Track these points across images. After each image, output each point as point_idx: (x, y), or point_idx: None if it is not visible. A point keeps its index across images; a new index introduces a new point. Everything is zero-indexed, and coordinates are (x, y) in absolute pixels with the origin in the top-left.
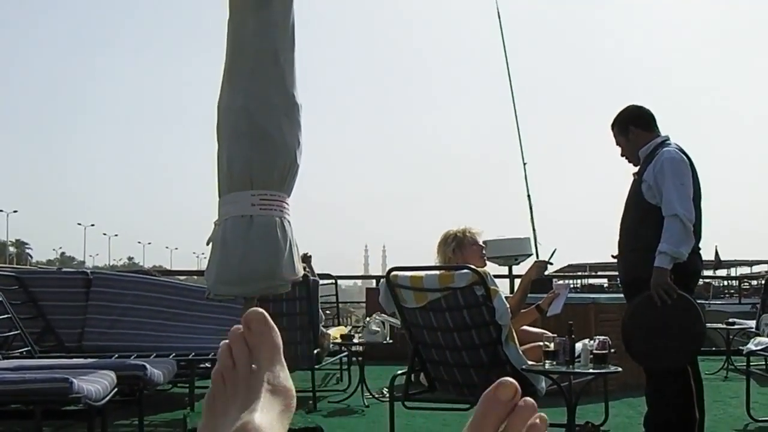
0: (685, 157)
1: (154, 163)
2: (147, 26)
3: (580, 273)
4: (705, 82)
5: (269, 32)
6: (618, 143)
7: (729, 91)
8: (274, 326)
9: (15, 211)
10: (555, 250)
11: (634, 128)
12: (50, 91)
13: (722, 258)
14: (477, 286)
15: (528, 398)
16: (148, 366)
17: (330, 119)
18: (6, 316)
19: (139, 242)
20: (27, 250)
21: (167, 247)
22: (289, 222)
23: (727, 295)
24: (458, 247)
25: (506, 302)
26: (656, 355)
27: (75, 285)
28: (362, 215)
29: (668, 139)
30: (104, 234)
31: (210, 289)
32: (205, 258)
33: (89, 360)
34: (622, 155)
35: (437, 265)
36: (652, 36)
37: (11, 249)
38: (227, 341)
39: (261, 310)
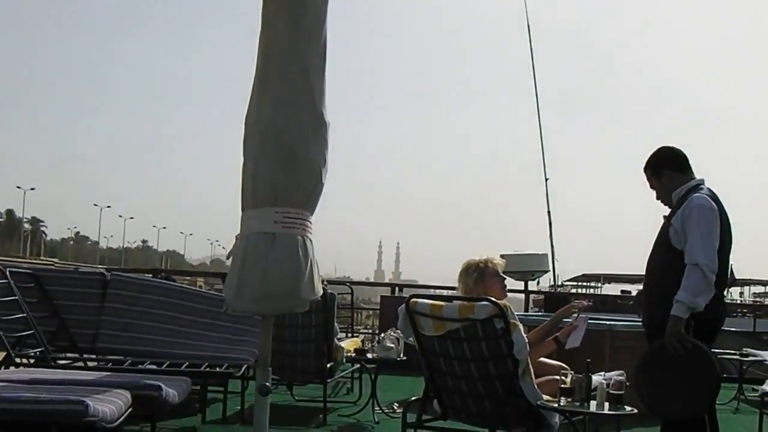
0: (715, 204)
1: (174, 149)
2: (181, 15)
3: (593, 283)
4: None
5: (302, 47)
6: (652, 186)
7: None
8: None
9: (32, 189)
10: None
11: (668, 171)
12: (75, 71)
13: (737, 276)
14: (497, 319)
15: None
16: (163, 386)
17: (352, 118)
18: (21, 315)
19: (154, 226)
20: (42, 228)
21: (182, 233)
22: (311, 241)
23: (739, 315)
24: (480, 277)
25: (525, 337)
26: (669, 405)
27: (91, 285)
28: (378, 214)
29: (702, 183)
30: (120, 216)
31: (228, 305)
32: (219, 245)
33: (104, 375)
34: (658, 198)
35: (458, 295)
36: (684, 47)
37: (26, 226)
38: None
39: None
